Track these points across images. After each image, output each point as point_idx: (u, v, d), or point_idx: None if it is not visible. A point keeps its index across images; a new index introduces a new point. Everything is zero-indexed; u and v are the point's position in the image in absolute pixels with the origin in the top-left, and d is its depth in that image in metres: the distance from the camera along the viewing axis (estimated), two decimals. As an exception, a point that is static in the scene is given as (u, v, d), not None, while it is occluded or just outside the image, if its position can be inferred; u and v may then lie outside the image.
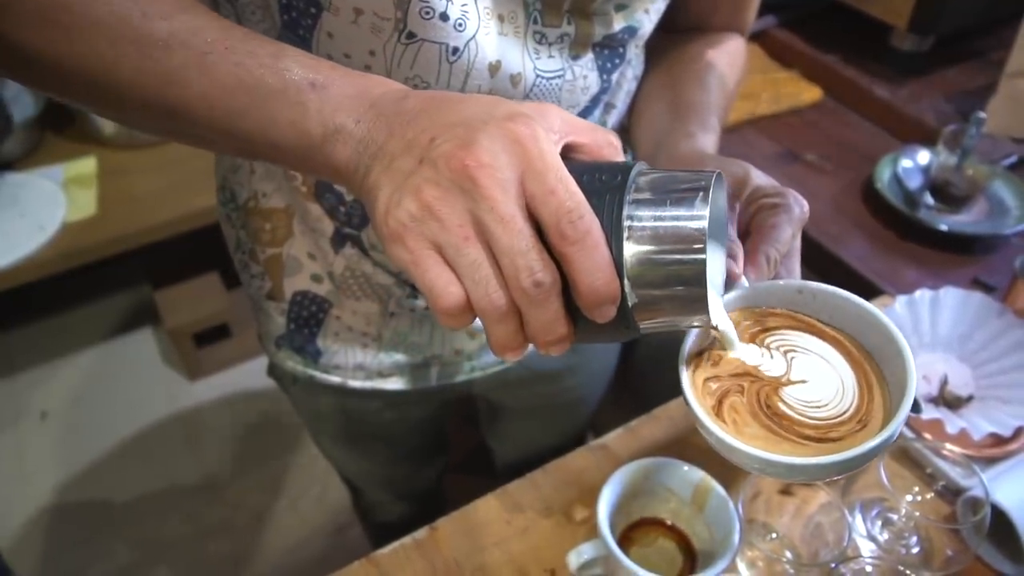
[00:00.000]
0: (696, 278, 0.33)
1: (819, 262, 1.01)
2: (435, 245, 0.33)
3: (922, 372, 0.76)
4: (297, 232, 0.66)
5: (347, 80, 0.38)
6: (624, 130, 0.67)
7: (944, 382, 0.75)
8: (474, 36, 0.47)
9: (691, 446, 0.72)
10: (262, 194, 0.65)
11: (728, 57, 0.64)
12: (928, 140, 1.10)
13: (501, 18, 0.49)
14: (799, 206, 0.44)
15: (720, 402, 0.38)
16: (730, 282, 0.41)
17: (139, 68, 0.37)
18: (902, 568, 0.58)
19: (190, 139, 0.42)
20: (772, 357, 0.40)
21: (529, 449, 0.95)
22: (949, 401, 0.74)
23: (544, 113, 0.35)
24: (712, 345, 0.40)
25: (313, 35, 0.48)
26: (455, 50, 0.47)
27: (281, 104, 0.37)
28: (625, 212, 0.33)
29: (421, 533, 0.67)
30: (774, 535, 0.65)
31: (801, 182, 1.10)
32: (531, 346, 0.36)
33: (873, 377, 0.39)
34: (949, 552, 0.61)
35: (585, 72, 0.54)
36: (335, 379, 0.73)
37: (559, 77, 0.53)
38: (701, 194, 0.33)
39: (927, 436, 0.71)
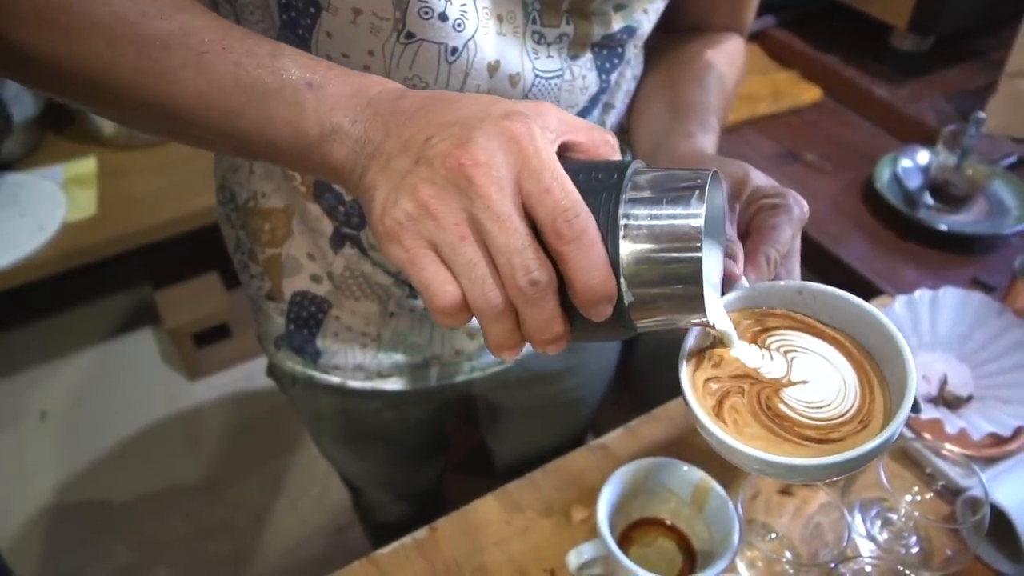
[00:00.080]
0: (692, 276, 0.33)
1: (819, 262, 1.01)
2: (431, 244, 0.33)
3: (922, 372, 0.76)
4: (296, 232, 0.66)
5: (344, 80, 0.38)
6: (623, 130, 0.67)
7: (944, 382, 0.75)
8: (473, 36, 0.47)
9: (691, 446, 0.72)
10: (261, 194, 0.65)
11: (727, 57, 0.64)
12: (928, 140, 1.10)
13: (500, 18, 0.49)
14: (799, 206, 0.44)
15: (720, 403, 0.38)
16: (730, 283, 0.41)
17: (137, 68, 0.38)
18: (901, 568, 0.58)
19: (189, 139, 0.42)
20: (772, 358, 0.40)
21: (529, 449, 0.95)
22: (948, 401, 0.74)
23: (540, 112, 0.35)
24: (712, 345, 0.40)
25: (312, 35, 0.48)
26: (454, 50, 0.47)
27: (278, 103, 0.37)
28: (621, 211, 0.33)
29: (421, 533, 0.67)
30: (774, 535, 0.65)
31: (801, 182, 1.10)
32: (528, 346, 0.36)
33: (874, 377, 0.39)
34: (948, 552, 0.61)
35: (584, 72, 0.54)
36: (335, 379, 0.73)
37: (558, 77, 0.53)
38: (697, 192, 0.33)
39: (927, 436, 0.71)
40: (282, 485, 1.70)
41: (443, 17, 0.46)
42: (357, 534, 1.54)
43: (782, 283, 0.42)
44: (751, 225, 0.45)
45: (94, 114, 0.47)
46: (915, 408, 0.37)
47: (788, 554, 0.64)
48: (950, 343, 0.78)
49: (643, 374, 1.22)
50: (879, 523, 0.65)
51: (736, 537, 0.58)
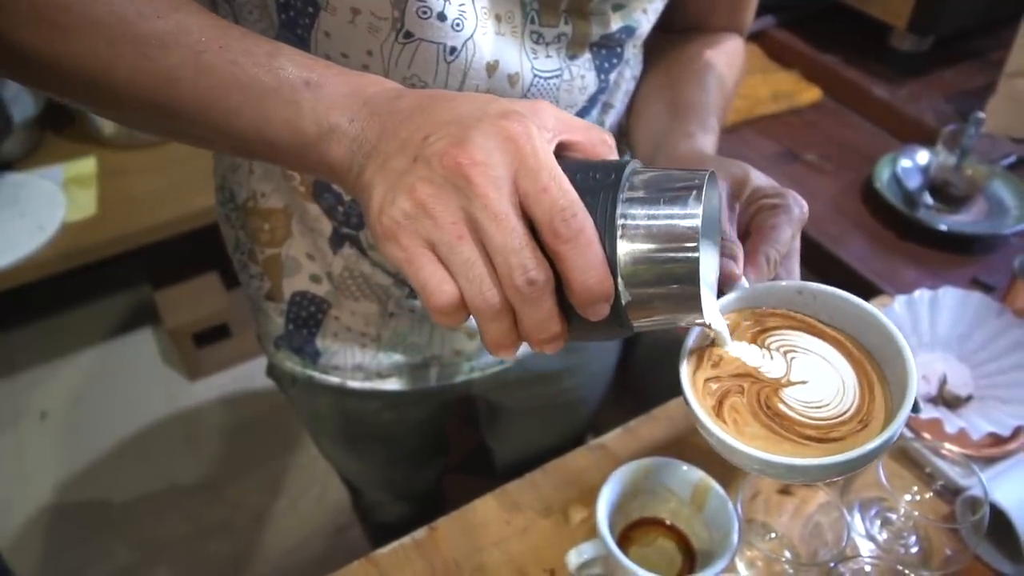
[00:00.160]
0: (689, 276, 0.33)
1: (819, 262, 1.01)
2: (429, 243, 0.33)
3: (921, 372, 0.76)
4: (296, 232, 0.66)
5: (341, 79, 0.38)
6: (622, 130, 0.67)
7: (943, 382, 0.75)
8: (472, 36, 0.47)
9: (690, 446, 0.72)
10: (261, 194, 0.65)
11: (727, 57, 0.64)
12: (927, 140, 1.10)
13: (498, 18, 0.49)
14: (799, 207, 0.44)
15: (720, 403, 0.38)
16: (730, 283, 0.42)
17: (135, 67, 0.38)
18: (901, 567, 0.58)
19: (187, 138, 0.42)
20: (772, 358, 0.40)
21: (528, 449, 0.95)
22: (948, 401, 0.74)
23: (538, 111, 0.35)
24: (712, 345, 0.40)
25: (311, 35, 0.48)
26: (452, 50, 0.47)
27: (275, 102, 0.37)
28: (619, 210, 0.33)
29: (420, 533, 0.67)
30: (773, 535, 0.65)
31: (801, 182, 1.10)
32: (528, 346, 0.36)
33: (874, 377, 0.39)
34: (948, 551, 0.61)
35: (583, 72, 0.54)
36: (334, 380, 0.73)
37: (557, 77, 0.53)
38: (695, 192, 0.33)
39: (926, 436, 0.71)
40: (282, 485, 1.70)
41: (441, 17, 0.46)
42: (357, 534, 1.54)
43: (782, 283, 0.42)
44: (751, 225, 0.45)
45: (94, 114, 0.47)
46: (915, 408, 0.37)
47: (787, 554, 0.64)
48: (949, 343, 0.78)
49: (643, 374, 1.22)
50: (878, 523, 0.65)
51: (735, 537, 0.58)
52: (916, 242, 1.00)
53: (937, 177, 1.03)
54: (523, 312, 0.33)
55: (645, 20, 0.54)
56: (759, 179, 0.46)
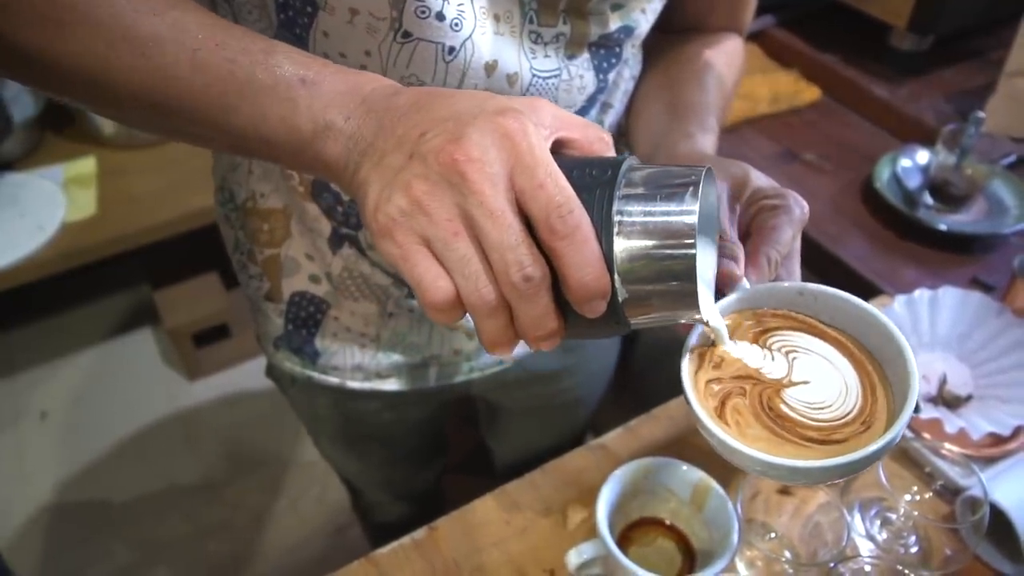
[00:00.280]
0: (686, 273, 0.33)
1: (818, 262, 1.01)
2: (424, 240, 0.33)
3: (921, 371, 0.76)
4: (295, 233, 0.66)
5: (338, 76, 0.38)
6: (621, 130, 0.67)
7: (943, 382, 0.75)
8: (470, 36, 0.47)
9: (690, 446, 0.72)
10: (260, 194, 0.65)
11: (726, 57, 0.64)
12: (927, 140, 1.10)
13: (497, 18, 0.49)
14: (799, 207, 0.44)
15: (722, 404, 0.38)
16: (731, 284, 0.41)
17: (132, 65, 0.38)
18: (901, 567, 0.58)
19: (185, 136, 0.42)
20: (774, 359, 0.40)
21: (528, 449, 0.95)
22: (948, 401, 0.74)
23: (535, 108, 0.35)
24: (714, 345, 0.40)
25: (309, 34, 0.48)
26: (451, 49, 0.47)
27: (272, 100, 0.37)
28: (615, 207, 0.33)
29: (420, 533, 0.67)
30: (773, 535, 0.65)
31: (800, 182, 1.10)
32: (524, 345, 0.36)
33: (876, 378, 0.39)
34: (948, 551, 0.61)
35: (581, 72, 0.54)
36: (333, 380, 0.73)
37: (555, 77, 0.53)
38: (691, 189, 0.33)
39: (926, 435, 0.71)
40: (282, 485, 1.70)
41: (440, 16, 0.46)
42: (357, 534, 1.54)
43: (783, 284, 0.42)
44: (752, 226, 0.45)
45: (92, 112, 0.47)
46: (915, 408, 0.37)
47: (787, 554, 0.64)
48: (949, 343, 0.78)
49: (643, 374, 1.22)
50: (878, 523, 0.65)
51: (735, 537, 0.58)
52: (916, 242, 1.00)
53: (937, 177, 1.03)
54: (519, 309, 0.33)
55: (644, 20, 0.54)
56: (759, 179, 0.46)
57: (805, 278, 0.43)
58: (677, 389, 0.39)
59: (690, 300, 0.34)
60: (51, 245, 1.51)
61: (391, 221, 0.33)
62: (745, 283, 0.41)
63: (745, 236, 0.45)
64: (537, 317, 0.34)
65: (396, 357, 0.72)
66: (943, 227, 0.99)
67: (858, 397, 0.38)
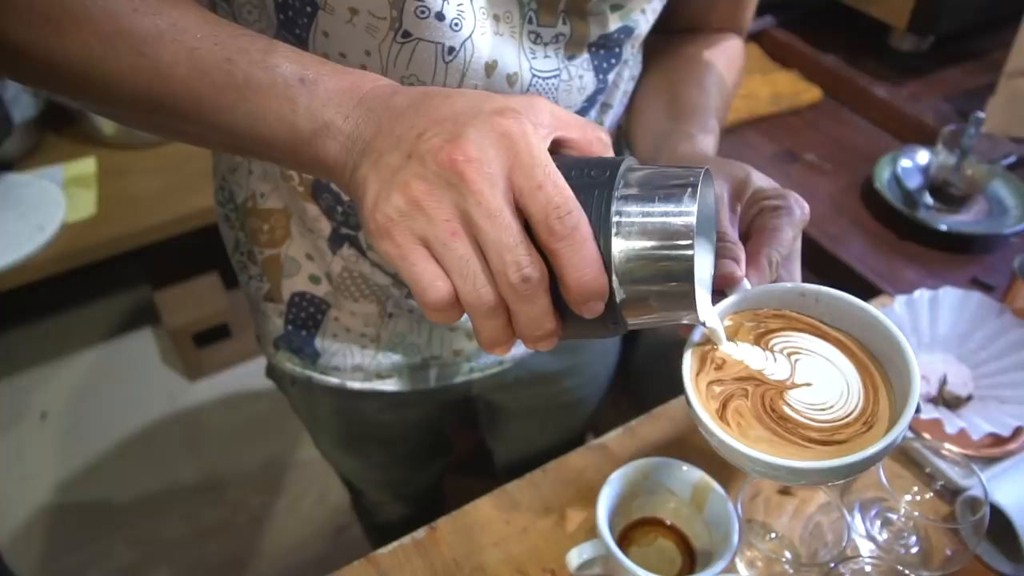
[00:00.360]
0: (684, 274, 0.33)
1: (818, 262, 1.01)
2: (422, 240, 0.33)
3: (921, 372, 0.76)
4: (295, 233, 0.66)
5: (336, 76, 0.38)
6: (621, 131, 0.67)
7: (943, 382, 0.75)
8: (470, 36, 0.47)
9: (691, 446, 0.72)
10: (260, 195, 0.65)
11: (726, 58, 0.64)
12: (927, 140, 1.10)
13: (496, 18, 0.49)
14: (800, 208, 0.44)
15: (724, 406, 0.38)
16: (732, 285, 0.41)
17: (130, 64, 0.38)
18: (901, 568, 0.58)
19: (183, 135, 0.42)
20: (776, 360, 0.40)
21: (529, 450, 0.95)
22: (948, 401, 0.74)
23: (533, 107, 0.35)
24: (715, 347, 0.40)
25: (309, 34, 0.48)
26: (451, 50, 0.47)
27: (270, 99, 0.37)
28: (613, 208, 0.33)
29: (420, 533, 0.67)
30: (773, 535, 0.65)
31: (801, 182, 1.10)
32: (523, 345, 0.36)
33: (878, 379, 0.39)
34: (948, 552, 0.61)
35: (581, 72, 0.54)
36: (333, 380, 0.73)
37: (555, 77, 0.53)
38: (689, 190, 0.33)
39: (926, 436, 0.71)
40: (282, 485, 1.70)
41: (440, 16, 0.46)
42: (357, 534, 1.54)
43: (784, 285, 0.42)
44: (752, 227, 0.45)
45: (91, 111, 0.47)
46: (915, 408, 0.37)
47: (788, 554, 0.64)
48: (949, 343, 0.78)
49: (643, 374, 1.22)
50: (879, 523, 0.65)
51: (736, 537, 0.58)
52: (916, 242, 1.00)
53: (937, 177, 1.03)
54: (517, 309, 0.33)
55: (644, 20, 0.54)
56: (760, 180, 0.46)
57: (805, 278, 0.43)
58: (677, 389, 0.39)
59: (687, 301, 0.34)
60: (51, 245, 1.51)
61: (389, 221, 0.33)
62: (746, 284, 0.41)
63: (746, 237, 0.45)
64: (535, 317, 0.34)
65: (396, 357, 0.72)
66: (943, 227, 0.99)
67: (860, 398, 0.38)
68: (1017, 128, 1.10)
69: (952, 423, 0.68)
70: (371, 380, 0.73)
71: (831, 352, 0.40)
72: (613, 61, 0.56)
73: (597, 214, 0.33)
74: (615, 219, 0.33)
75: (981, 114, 0.97)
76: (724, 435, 0.36)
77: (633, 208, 0.33)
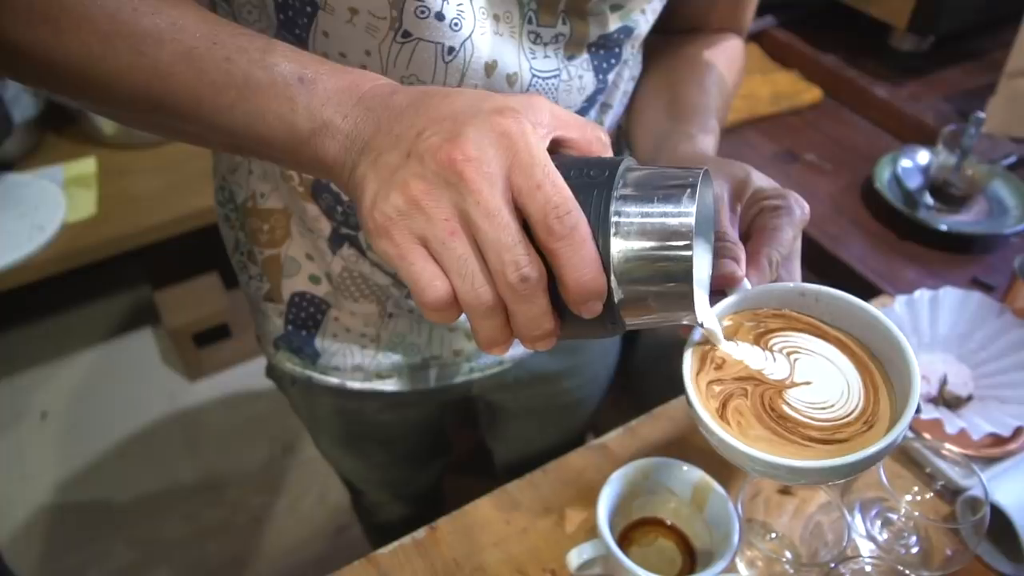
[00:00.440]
0: (682, 275, 0.33)
1: (819, 262, 1.01)
2: (421, 239, 0.33)
3: (922, 372, 0.76)
4: (295, 233, 0.66)
5: (336, 75, 0.37)
6: (621, 131, 0.67)
7: (943, 382, 0.75)
8: (470, 36, 0.47)
9: (691, 446, 0.72)
10: (260, 195, 0.65)
11: (726, 58, 0.64)
12: (927, 140, 1.10)
13: (496, 18, 0.49)
14: (800, 208, 0.44)
15: (724, 405, 0.38)
16: (732, 284, 0.41)
17: (129, 63, 0.38)
18: (901, 568, 0.58)
19: (182, 135, 0.42)
20: (775, 359, 0.40)
21: (529, 450, 0.95)
22: (948, 401, 0.74)
23: (533, 106, 0.35)
24: (715, 347, 0.40)
25: (309, 34, 0.48)
26: (451, 50, 0.47)
27: (269, 98, 0.37)
28: (612, 208, 0.33)
29: (421, 533, 0.67)
30: (773, 535, 0.65)
31: (801, 182, 1.10)
32: (522, 345, 0.36)
33: (879, 378, 0.39)
34: (948, 552, 0.61)
35: (581, 72, 0.54)
36: (333, 380, 0.73)
37: (555, 77, 0.53)
38: (688, 191, 0.33)
39: (926, 436, 0.71)
40: (282, 485, 1.69)
41: (440, 16, 0.46)
42: (357, 534, 1.54)
43: (785, 285, 0.42)
44: (752, 226, 0.45)
45: (91, 111, 0.47)
46: (915, 408, 0.37)
47: (788, 554, 0.64)
48: (950, 343, 0.78)
49: (643, 374, 1.22)
50: (879, 523, 0.65)
51: (736, 537, 0.58)
52: (916, 242, 1.00)
53: (937, 177, 1.03)
54: (516, 309, 0.33)
55: (643, 21, 0.54)
56: (760, 180, 0.46)
57: (805, 278, 0.43)
58: (677, 389, 0.39)
59: (686, 302, 0.34)
60: (51, 245, 1.50)
61: (388, 220, 0.33)
62: (746, 284, 0.41)
63: (746, 237, 0.45)
64: (533, 317, 0.34)
65: (396, 357, 0.72)
66: (943, 227, 0.99)
67: (860, 397, 0.38)
68: (1017, 128, 1.10)
69: (952, 423, 0.68)
70: (371, 380, 0.73)
71: (831, 352, 0.40)
72: (613, 61, 0.56)
73: (596, 214, 0.33)
74: (614, 219, 0.33)
75: (981, 114, 0.97)
76: (724, 434, 0.36)
77: (632, 208, 0.33)
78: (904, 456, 0.69)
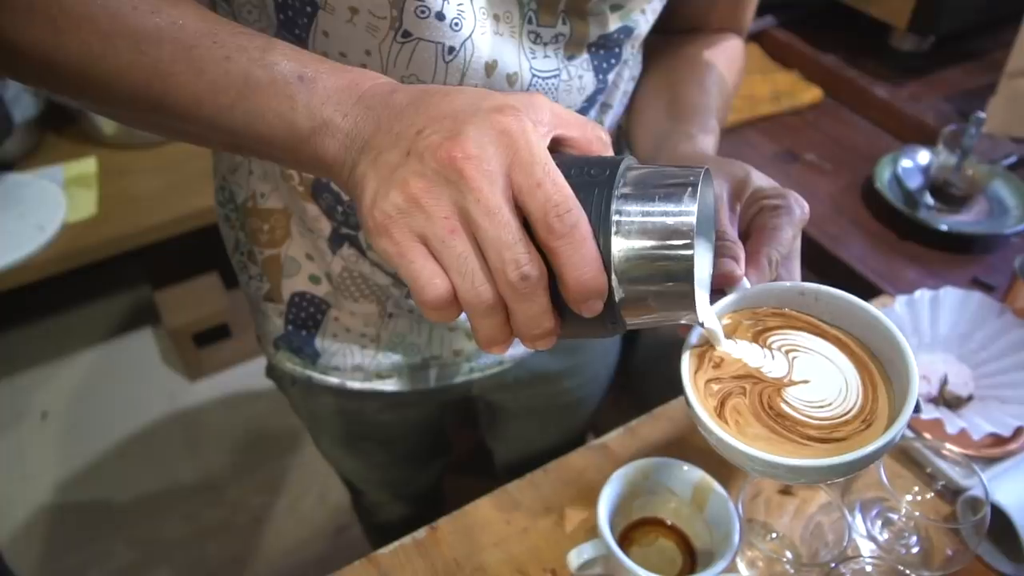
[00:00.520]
0: (684, 274, 0.33)
1: (819, 262, 1.01)
2: (421, 237, 0.33)
3: (922, 372, 0.76)
4: (295, 233, 0.65)
5: (336, 74, 0.37)
6: (621, 131, 0.67)
7: (944, 382, 0.75)
8: (470, 36, 0.47)
9: (691, 446, 0.72)
10: (260, 195, 0.65)
11: (726, 58, 0.64)
12: (928, 140, 1.10)
13: (496, 18, 0.49)
14: (800, 207, 0.44)
15: (722, 403, 0.38)
16: (731, 284, 0.41)
17: (128, 62, 0.38)
18: (902, 568, 0.58)
19: (181, 134, 0.42)
20: (774, 357, 0.40)
21: (529, 450, 0.95)
22: (949, 401, 0.74)
23: (533, 105, 0.35)
24: (713, 346, 0.40)
25: (309, 34, 0.48)
26: (451, 49, 0.47)
27: (269, 97, 0.37)
28: (613, 207, 0.33)
29: (421, 533, 0.67)
30: (774, 535, 0.65)
31: (801, 182, 1.10)
32: (523, 345, 0.35)
33: (877, 377, 0.39)
34: (949, 552, 0.61)
35: (581, 72, 0.54)
36: (333, 380, 0.73)
37: (555, 77, 0.53)
38: (689, 190, 0.33)
39: (927, 436, 0.71)
40: (282, 485, 1.69)
41: (440, 16, 0.46)
42: (357, 534, 1.54)
43: (784, 284, 0.42)
44: (752, 226, 0.45)
45: (90, 110, 0.47)
46: (916, 408, 0.36)
47: (788, 554, 0.64)
48: (950, 343, 0.78)
49: (643, 374, 1.22)
50: (880, 523, 0.64)
51: (736, 537, 0.58)
52: (917, 242, 1.00)
53: (938, 177, 1.03)
54: (516, 308, 0.33)
55: (643, 21, 0.54)
56: (760, 180, 0.46)
57: (806, 278, 0.43)
58: (678, 389, 0.39)
59: (687, 301, 0.34)
60: (51, 245, 1.51)
61: (387, 218, 0.33)
62: (745, 283, 0.41)
63: (745, 236, 0.44)
64: (534, 316, 0.33)
65: (396, 357, 0.72)
66: (944, 227, 0.99)
67: (859, 396, 0.38)
68: (1018, 128, 1.10)
69: (953, 423, 0.68)
70: (371, 380, 0.73)
71: (830, 350, 0.40)
72: (613, 61, 0.56)
73: (597, 213, 0.33)
74: (615, 218, 0.33)
75: (982, 114, 0.97)
76: (722, 433, 0.36)
77: (633, 207, 0.33)
78: (905, 456, 0.69)
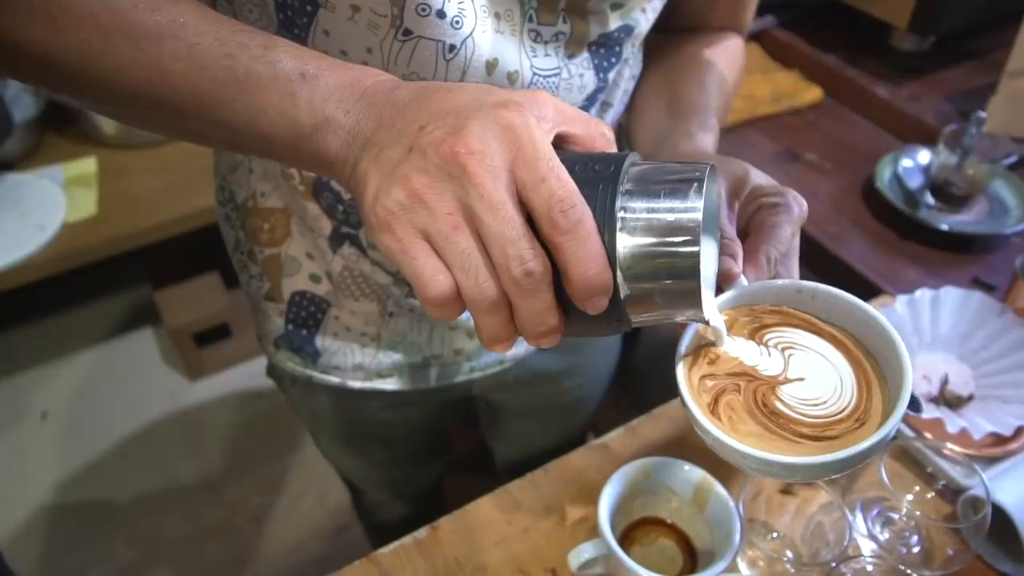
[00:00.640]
0: (690, 271, 0.33)
1: (819, 262, 1.01)
2: (424, 233, 0.33)
3: (923, 371, 0.76)
4: (295, 232, 0.65)
5: (337, 71, 0.37)
6: (622, 130, 0.67)
7: (945, 382, 0.75)
8: (471, 34, 0.47)
9: (692, 445, 0.72)
10: (260, 194, 0.65)
11: (727, 57, 0.64)
12: (928, 140, 1.10)
13: (497, 16, 0.48)
14: (798, 205, 0.44)
15: (716, 400, 0.38)
16: (729, 281, 0.41)
17: (129, 60, 0.37)
18: (903, 567, 0.58)
19: (182, 133, 0.42)
20: (770, 355, 0.40)
21: (529, 449, 0.95)
22: (950, 400, 0.74)
23: (536, 101, 0.35)
24: (709, 343, 0.40)
25: (310, 32, 0.48)
26: (452, 47, 0.47)
27: (271, 94, 0.37)
28: (618, 203, 0.33)
29: (421, 533, 0.67)
30: (775, 534, 0.65)
31: (801, 182, 1.10)
32: (526, 344, 0.35)
33: (873, 375, 0.39)
34: (950, 551, 0.61)
35: (581, 71, 0.54)
36: (334, 379, 0.73)
37: (556, 75, 0.53)
38: (696, 186, 0.33)
39: (928, 435, 0.71)
40: (282, 485, 1.69)
41: (441, 14, 0.46)
42: (357, 534, 1.54)
43: (781, 282, 0.42)
44: (751, 224, 0.45)
45: (91, 109, 0.47)
46: (916, 408, 0.36)
47: (789, 553, 0.64)
48: (951, 343, 0.78)
49: (643, 374, 1.22)
50: (880, 522, 0.64)
51: (737, 536, 0.58)
52: (917, 242, 1.00)
53: (938, 177, 1.03)
54: (520, 304, 0.33)
55: (644, 19, 0.54)
56: (759, 178, 0.46)
57: (805, 277, 0.43)
58: (677, 389, 0.38)
59: (692, 299, 0.34)
60: (51, 245, 1.50)
61: (390, 214, 0.33)
62: (743, 280, 0.41)
63: (744, 234, 0.44)
64: (538, 313, 0.33)
65: (397, 357, 0.72)
66: (944, 227, 0.99)
67: (853, 394, 0.38)
68: (1018, 128, 1.10)
69: (953, 423, 0.68)
70: (372, 379, 0.73)
71: (826, 348, 0.40)
72: (613, 60, 0.56)
73: (601, 209, 0.33)
74: (620, 214, 0.33)
75: (982, 114, 0.97)
76: (715, 429, 0.36)
77: (638, 203, 0.33)
78: (905, 456, 0.69)
